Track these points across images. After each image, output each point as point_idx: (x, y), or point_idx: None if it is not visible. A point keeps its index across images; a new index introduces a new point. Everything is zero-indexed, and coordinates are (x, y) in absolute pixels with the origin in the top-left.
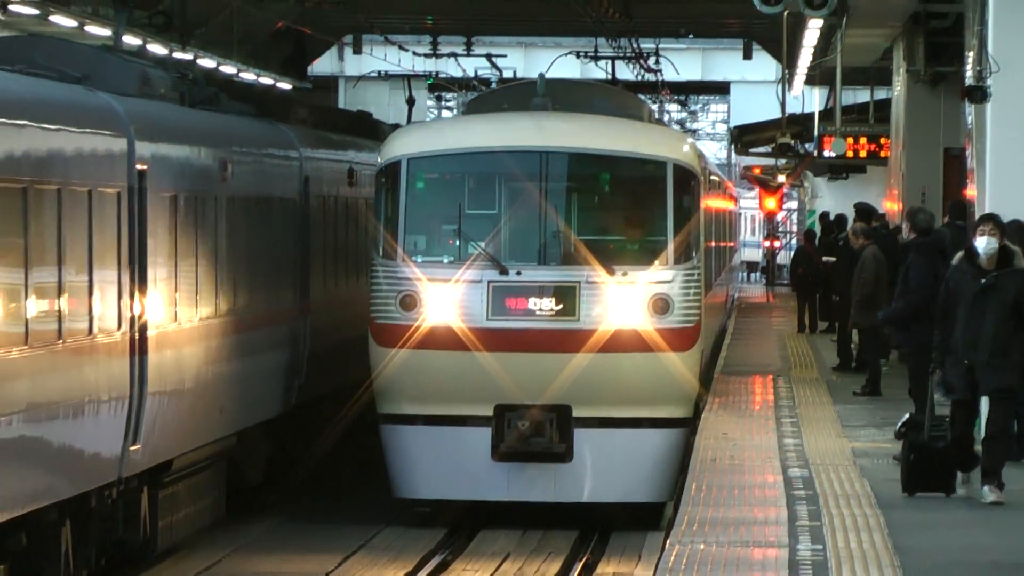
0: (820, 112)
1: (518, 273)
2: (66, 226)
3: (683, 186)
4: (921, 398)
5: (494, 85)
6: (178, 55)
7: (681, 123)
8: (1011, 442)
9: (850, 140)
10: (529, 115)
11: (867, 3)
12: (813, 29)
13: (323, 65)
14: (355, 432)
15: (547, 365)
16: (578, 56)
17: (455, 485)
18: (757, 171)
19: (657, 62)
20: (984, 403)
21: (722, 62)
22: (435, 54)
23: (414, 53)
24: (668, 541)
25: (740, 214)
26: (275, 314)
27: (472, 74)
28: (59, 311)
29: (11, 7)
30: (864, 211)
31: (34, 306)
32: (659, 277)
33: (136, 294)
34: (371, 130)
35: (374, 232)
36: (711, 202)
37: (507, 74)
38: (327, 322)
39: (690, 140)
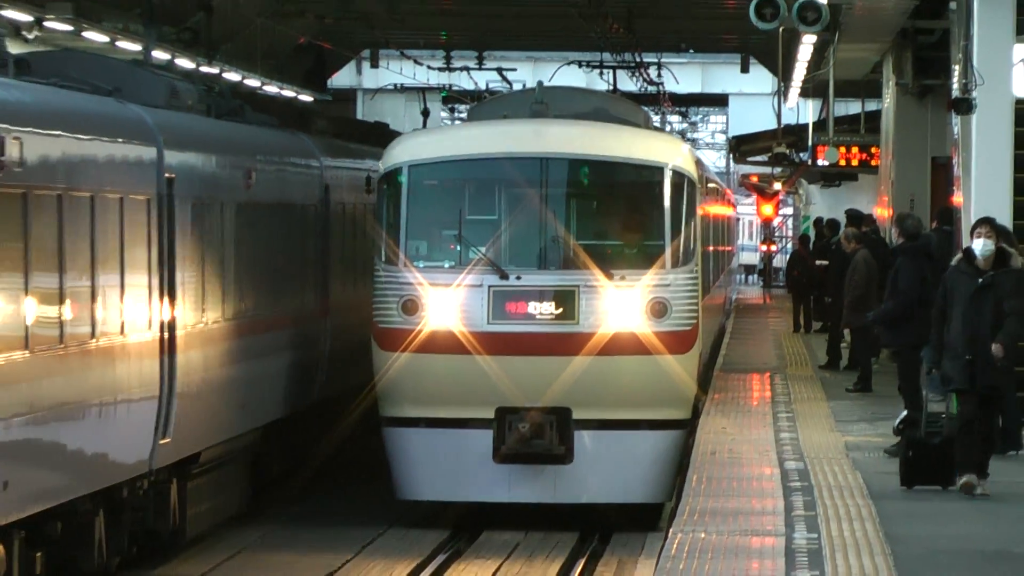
0: (814, 123)
1: (518, 277)
2: (98, 232)
3: (680, 191)
4: (910, 394)
5: None
6: (204, 69)
7: (682, 133)
8: (995, 436)
9: (842, 149)
10: (528, 122)
11: (858, 19)
12: (807, 44)
13: (342, 78)
14: (359, 434)
15: (547, 368)
16: (580, 66)
17: (457, 487)
18: (754, 179)
19: (659, 75)
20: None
21: (721, 75)
22: (448, 68)
23: (428, 67)
24: (670, 530)
25: (738, 219)
26: (297, 315)
27: (484, 86)
28: (92, 313)
29: (46, 23)
30: (854, 217)
31: (69, 308)
32: (657, 281)
33: (165, 296)
34: (387, 140)
35: (376, 238)
36: (710, 208)
37: (517, 86)
38: (345, 323)
39: (687, 146)
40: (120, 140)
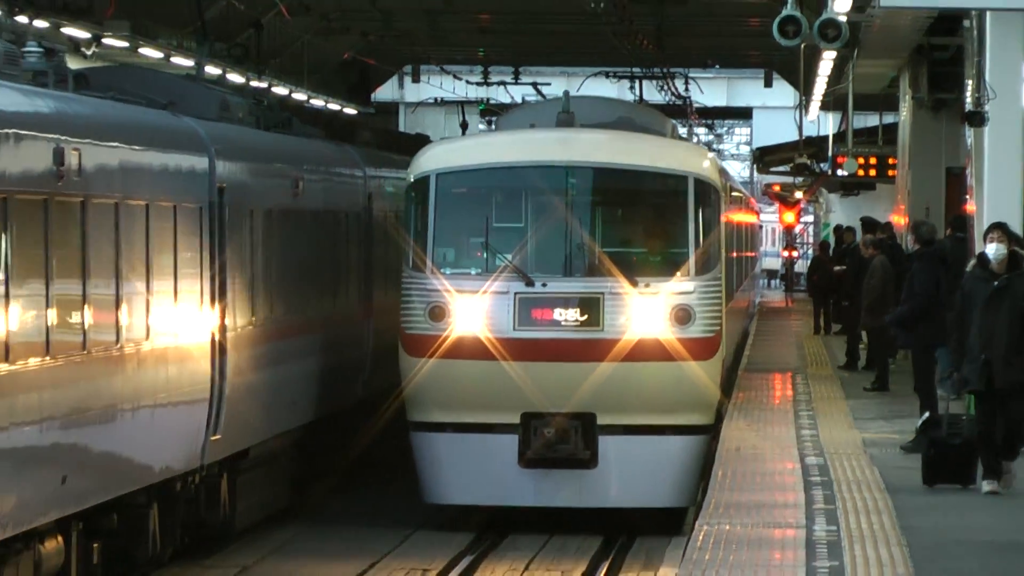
0: (834, 135)
1: (544, 284)
2: (153, 238)
3: (704, 199)
4: (925, 393)
5: None
6: (254, 83)
7: (708, 144)
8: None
9: (861, 160)
10: (554, 131)
11: (876, 36)
12: (827, 60)
13: (385, 92)
14: (388, 436)
15: (572, 374)
16: (607, 76)
17: (483, 491)
18: (777, 188)
19: (687, 89)
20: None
21: (745, 89)
22: (486, 82)
23: (467, 81)
24: (697, 522)
25: (761, 227)
26: (342, 316)
27: (520, 100)
28: (147, 316)
29: (104, 40)
30: (869, 223)
31: (124, 312)
32: (681, 288)
33: (216, 300)
34: None
35: (404, 244)
36: (734, 215)
37: None
38: (388, 325)
39: (711, 155)
40: (174, 151)
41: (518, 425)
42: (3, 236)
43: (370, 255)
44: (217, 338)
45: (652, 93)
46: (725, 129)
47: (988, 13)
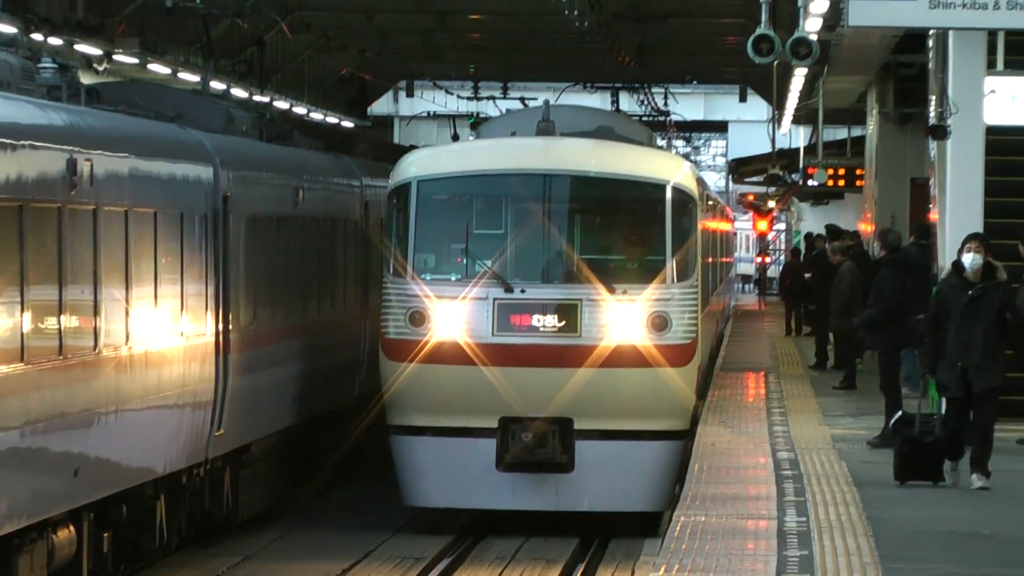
0: (805, 147)
1: (522, 291)
2: (160, 244)
3: (681, 208)
4: (890, 391)
5: None
6: (257, 97)
7: (686, 156)
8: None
9: (830, 171)
10: (534, 139)
11: (845, 54)
12: (799, 76)
13: (381, 106)
14: (370, 438)
15: (550, 379)
16: (585, 87)
17: (461, 493)
18: (751, 197)
19: (666, 104)
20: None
21: (721, 104)
22: (476, 97)
23: (458, 96)
24: (674, 514)
25: (736, 234)
26: (339, 319)
27: None
28: (154, 318)
29: (115, 57)
30: (833, 231)
31: (134, 314)
32: (658, 295)
33: (220, 303)
34: None
35: (385, 251)
36: (711, 223)
37: None
38: None
39: (688, 164)
40: (181, 161)
41: (496, 429)
42: (20, 242)
43: (366, 261)
44: (221, 339)
45: (632, 107)
46: (702, 141)
47: (951, 32)
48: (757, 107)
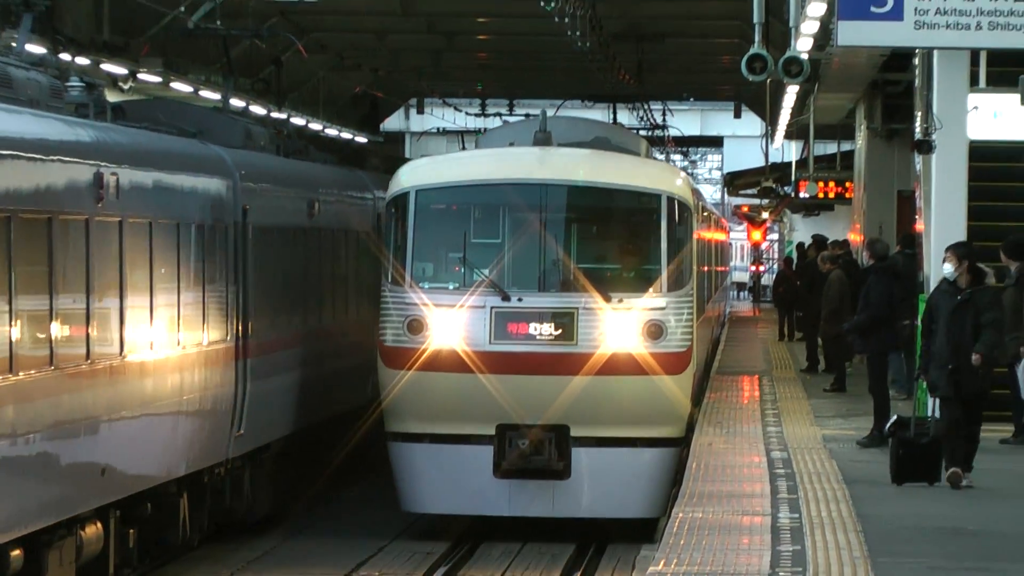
0: (796, 161)
1: (519, 299)
2: (183, 254)
3: (676, 217)
4: (878, 393)
5: None
6: (275, 114)
7: (684, 170)
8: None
9: (821, 184)
10: (531, 150)
11: (835, 72)
12: (791, 93)
13: (392, 122)
14: (370, 445)
15: (546, 387)
16: (583, 101)
17: (459, 500)
18: (745, 209)
19: (664, 120)
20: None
21: (717, 120)
22: (484, 113)
23: (466, 113)
24: (672, 510)
25: (731, 244)
26: (353, 324)
27: None
28: (178, 324)
29: (139, 75)
30: (819, 241)
31: (159, 320)
32: (653, 304)
33: (240, 309)
34: None
35: (383, 259)
36: (707, 233)
37: None
38: None
39: (683, 174)
40: (202, 175)
41: (493, 436)
42: (50, 252)
43: (378, 269)
44: (240, 344)
45: (632, 123)
46: (699, 156)
47: (935, 52)
48: (751, 123)
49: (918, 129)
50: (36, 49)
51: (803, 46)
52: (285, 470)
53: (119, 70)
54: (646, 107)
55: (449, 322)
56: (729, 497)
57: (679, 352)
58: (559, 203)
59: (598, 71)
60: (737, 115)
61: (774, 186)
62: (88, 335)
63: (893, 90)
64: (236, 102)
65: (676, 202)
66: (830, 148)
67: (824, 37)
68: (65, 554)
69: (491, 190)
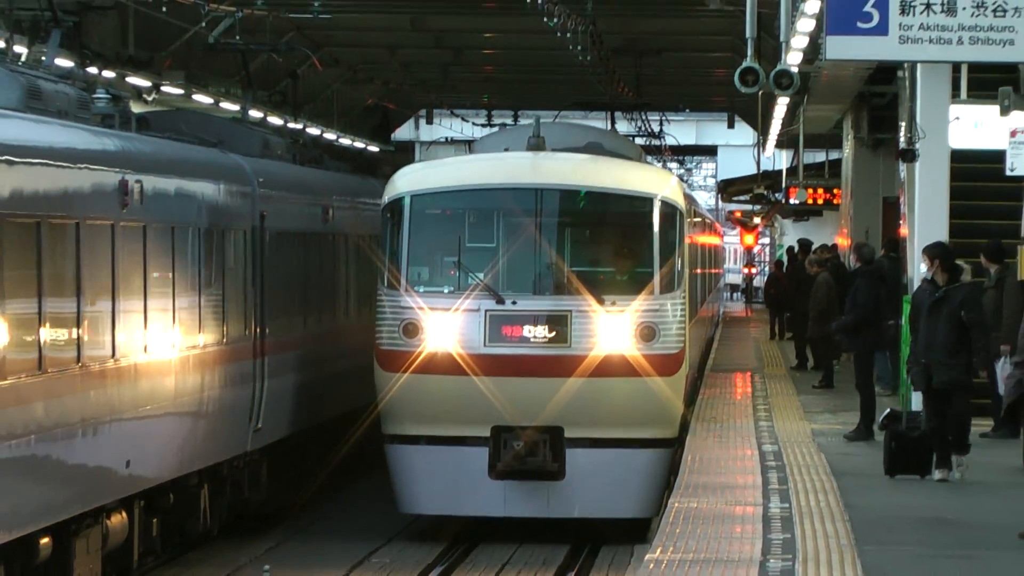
0: (787, 169)
1: (514, 303)
2: (204, 257)
3: (669, 221)
4: (865, 389)
5: None
6: (291, 125)
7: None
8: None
9: (810, 190)
10: (525, 155)
11: (823, 85)
12: (781, 105)
13: (403, 132)
14: (367, 447)
15: (541, 389)
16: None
17: (455, 501)
18: (738, 214)
19: (661, 130)
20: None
21: (711, 130)
22: (490, 124)
23: (473, 123)
24: (669, 500)
25: (725, 247)
26: (365, 324)
27: None
28: (199, 324)
29: (163, 88)
30: (804, 244)
31: (180, 321)
32: (646, 306)
33: (257, 310)
34: None
35: (379, 264)
36: (700, 237)
37: None
38: None
39: (676, 178)
40: (222, 183)
41: (488, 438)
42: (77, 256)
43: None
44: (258, 342)
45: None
46: (694, 164)
47: (919, 65)
48: (744, 133)
49: (902, 139)
50: (64, 63)
51: (793, 60)
52: (299, 464)
53: (143, 83)
54: (644, 117)
55: (444, 325)
56: (723, 488)
57: (672, 354)
58: (552, 207)
59: (598, 83)
60: (731, 125)
61: (766, 192)
62: (113, 335)
63: (879, 102)
64: (254, 113)
65: (668, 205)
66: (819, 157)
67: (813, 51)
68: (91, 542)
69: (485, 195)
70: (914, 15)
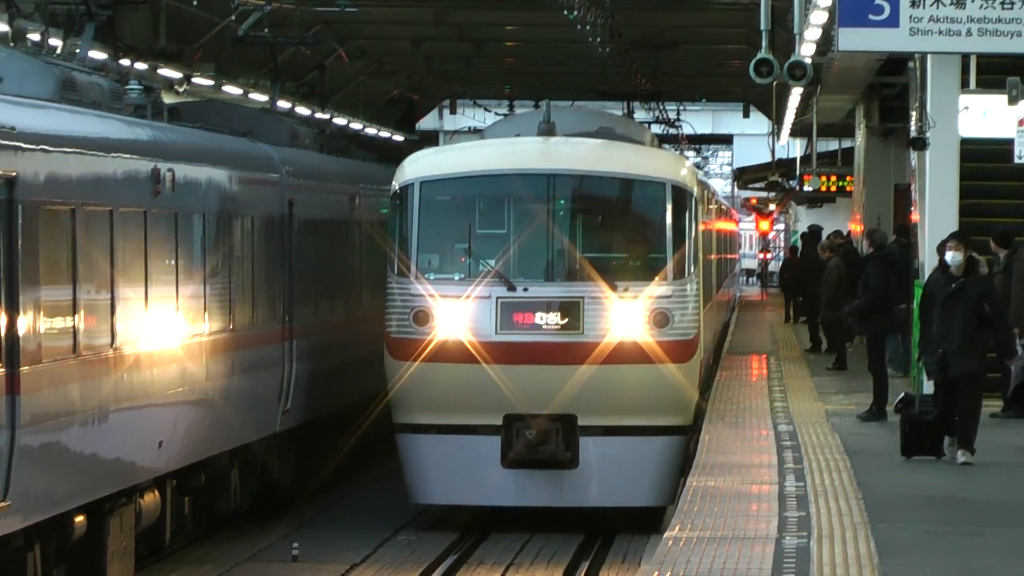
0: (800, 157)
1: (525, 289)
2: (234, 244)
3: (681, 206)
4: (877, 371)
5: None
6: (318, 115)
7: (697, 166)
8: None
9: (823, 178)
10: (536, 140)
11: (836, 76)
12: (795, 95)
13: (427, 122)
14: (379, 436)
15: (553, 376)
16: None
17: (466, 491)
18: (754, 201)
19: (678, 118)
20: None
21: (727, 119)
22: (512, 114)
23: (495, 113)
24: (686, 480)
25: (741, 233)
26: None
27: None
28: (231, 308)
29: (194, 79)
30: (815, 231)
31: (211, 305)
32: (659, 292)
33: (286, 294)
34: None
35: (389, 251)
36: (717, 223)
37: None
38: None
39: (688, 163)
40: (252, 171)
41: (500, 427)
42: (111, 242)
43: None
44: (287, 327)
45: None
46: (711, 152)
47: (928, 56)
48: (759, 122)
49: (913, 128)
50: (98, 55)
51: (806, 51)
52: (325, 446)
53: (174, 74)
54: (661, 107)
55: (455, 313)
56: (739, 467)
57: (686, 340)
58: (564, 193)
59: (616, 75)
60: (746, 115)
61: (780, 180)
62: (145, 319)
63: (889, 92)
64: (283, 104)
65: (681, 190)
66: (831, 145)
67: (826, 43)
68: (125, 521)
69: (495, 181)
70: (924, 7)
